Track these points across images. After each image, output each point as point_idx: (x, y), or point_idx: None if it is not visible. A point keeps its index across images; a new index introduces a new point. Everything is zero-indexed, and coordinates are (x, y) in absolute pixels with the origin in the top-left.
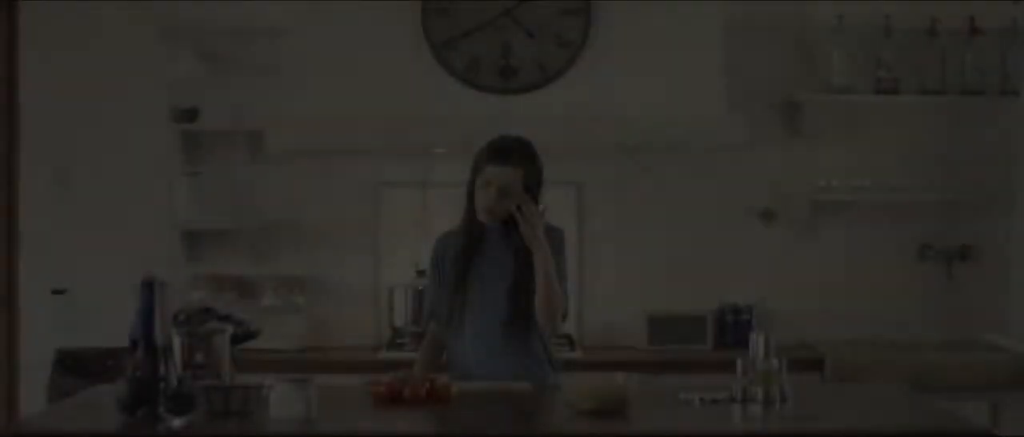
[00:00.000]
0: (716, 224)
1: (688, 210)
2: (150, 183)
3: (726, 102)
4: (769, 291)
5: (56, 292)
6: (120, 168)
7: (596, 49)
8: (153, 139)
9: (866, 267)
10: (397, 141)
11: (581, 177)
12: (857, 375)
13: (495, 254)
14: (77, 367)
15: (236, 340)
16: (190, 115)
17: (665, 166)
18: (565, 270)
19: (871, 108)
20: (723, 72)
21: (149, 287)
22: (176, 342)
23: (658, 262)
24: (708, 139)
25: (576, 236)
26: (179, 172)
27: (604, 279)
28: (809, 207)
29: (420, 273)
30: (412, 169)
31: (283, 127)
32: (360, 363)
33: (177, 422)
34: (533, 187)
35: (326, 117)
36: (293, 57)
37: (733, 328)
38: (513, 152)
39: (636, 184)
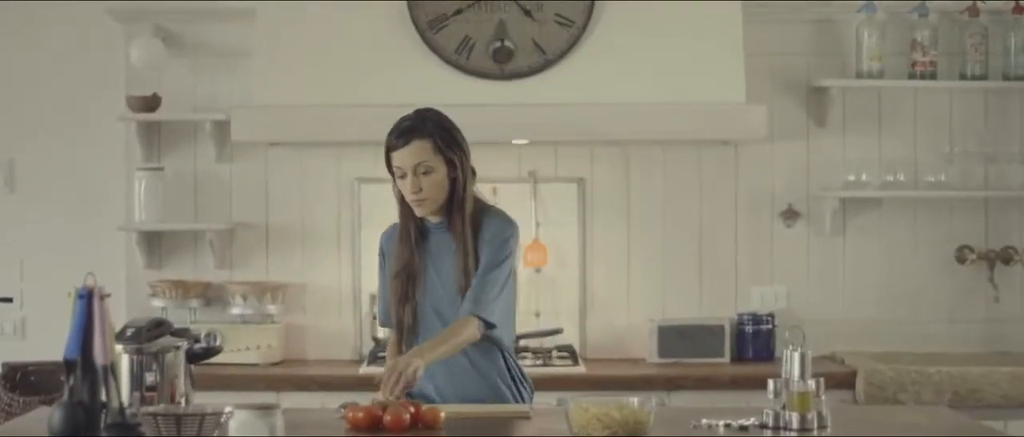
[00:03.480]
0: (733, 224)
1: (702, 209)
2: (104, 180)
3: (745, 89)
4: (793, 298)
5: (1, 301)
6: (70, 164)
7: (601, 30)
8: (107, 131)
9: (899, 271)
10: (379, 132)
11: (583, 172)
12: (893, 393)
13: (440, 255)
14: (23, 383)
15: (194, 358)
16: (149, 104)
17: (677, 160)
18: (499, 262)
19: (905, 95)
20: (742, 56)
21: (87, 298)
22: (123, 361)
23: (669, 266)
24: (725, 130)
25: (578, 237)
26: (136, 167)
27: (609, 285)
28: (836, 205)
29: None
30: None
31: (252, 117)
32: (338, 379)
33: None
34: (452, 152)
35: (300, 105)
36: (263, 39)
37: (752, 339)
38: (411, 128)
39: (645, 180)
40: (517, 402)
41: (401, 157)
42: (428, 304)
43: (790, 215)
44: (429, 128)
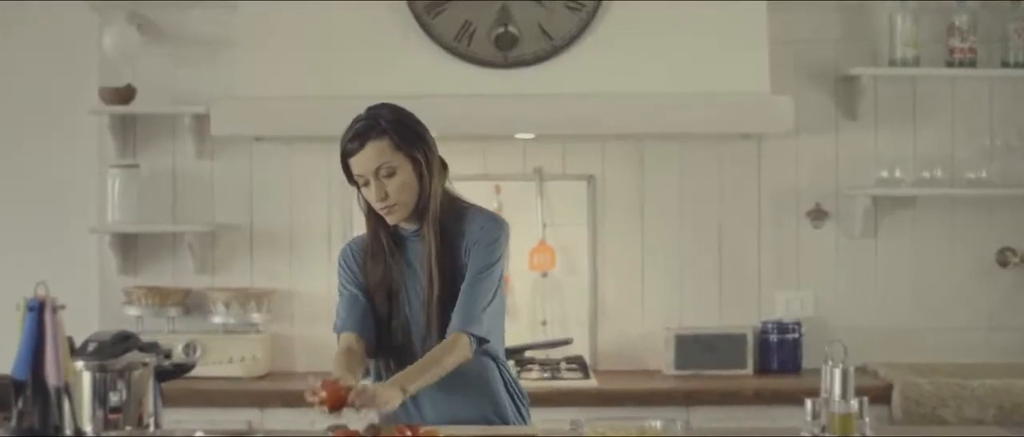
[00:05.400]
0: (756, 225)
1: (723, 208)
2: (74, 178)
3: (770, 79)
4: (821, 305)
5: None
6: (38, 160)
7: (613, 14)
8: (78, 125)
9: (936, 276)
10: None
11: (594, 168)
12: (932, 408)
13: (416, 265)
14: None
15: (165, 375)
16: (123, 96)
17: (695, 156)
18: (489, 268)
19: (942, 85)
20: (766, 43)
21: (37, 310)
22: (84, 379)
23: (687, 270)
24: (748, 123)
25: (588, 239)
26: (110, 164)
27: (622, 291)
28: (867, 204)
29: None
30: None
31: (235, 109)
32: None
33: None
34: (413, 147)
35: (287, 97)
36: (247, 25)
37: (777, 349)
38: (366, 129)
39: (660, 177)
40: (517, 421)
41: (360, 162)
42: (412, 321)
43: (818, 215)
44: (383, 125)
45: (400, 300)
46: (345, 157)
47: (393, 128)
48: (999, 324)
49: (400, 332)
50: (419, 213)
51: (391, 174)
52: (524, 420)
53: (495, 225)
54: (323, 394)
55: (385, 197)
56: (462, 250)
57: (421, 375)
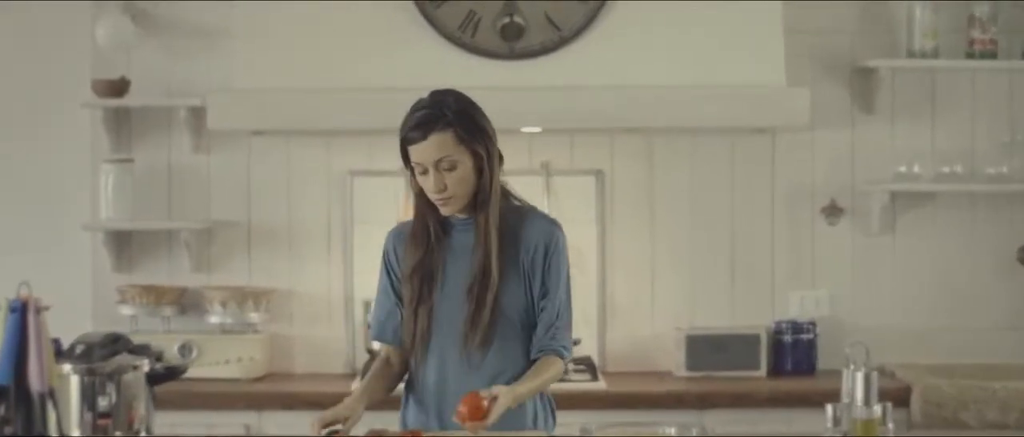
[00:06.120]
0: (770, 222)
1: (735, 205)
2: (67, 173)
3: (785, 71)
4: (836, 304)
5: None
6: (29, 155)
7: (623, 3)
8: (70, 119)
9: (955, 274)
10: (373, 119)
11: (602, 163)
12: (953, 412)
13: (462, 254)
14: None
15: (157, 379)
16: (117, 88)
17: (707, 150)
18: (564, 279)
19: (962, 77)
20: (781, 33)
21: (20, 312)
22: (72, 383)
23: (698, 269)
24: (762, 117)
25: (596, 236)
26: (103, 159)
27: (631, 290)
28: (885, 200)
29: None
30: (391, 154)
31: (232, 102)
32: (329, 397)
33: None
34: (477, 142)
35: (285, 89)
36: (245, 16)
37: (792, 350)
38: (430, 118)
39: (671, 173)
40: (541, 427)
41: (421, 152)
42: (443, 309)
43: (833, 211)
44: (449, 116)
45: (434, 284)
46: (404, 144)
47: (458, 120)
48: (1021, 324)
49: (426, 316)
50: (473, 205)
51: (452, 167)
52: (548, 427)
53: (557, 229)
54: (463, 410)
55: (443, 189)
56: (520, 250)
57: (531, 388)
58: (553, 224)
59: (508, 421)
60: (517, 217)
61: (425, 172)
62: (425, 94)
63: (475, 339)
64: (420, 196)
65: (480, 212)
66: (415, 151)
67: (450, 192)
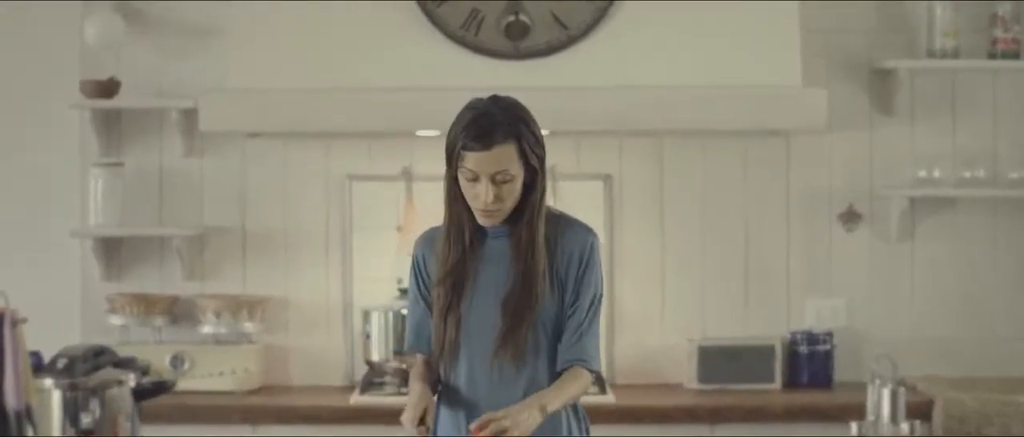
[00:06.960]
0: (785, 228)
1: (749, 210)
2: (54, 177)
3: (800, 71)
4: (854, 314)
5: None
6: (15, 158)
7: (633, 2)
8: (58, 121)
9: (977, 282)
10: (372, 121)
11: (611, 168)
12: (977, 426)
13: (494, 263)
14: None
15: (143, 394)
16: (106, 89)
17: (719, 154)
18: (597, 285)
19: (984, 78)
20: (797, 33)
21: None
22: (54, 398)
23: (710, 277)
24: (776, 119)
25: (605, 242)
26: (92, 163)
27: (640, 299)
28: (904, 206)
29: (403, 292)
30: (392, 157)
31: (226, 103)
32: (326, 410)
33: None
34: (536, 158)
35: (281, 90)
36: (239, 14)
37: (808, 361)
38: (498, 125)
39: (681, 177)
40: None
41: (479, 161)
42: (473, 317)
43: (850, 217)
44: (516, 129)
45: (464, 292)
46: (463, 150)
47: (522, 134)
48: None
49: (454, 325)
50: (512, 216)
51: (507, 181)
52: None
53: (593, 238)
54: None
55: (494, 201)
56: (555, 260)
57: (557, 398)
58: (589, 232)
59: (541, 430)
60: (553, 226)
61: (476, 179)
62: (419, 95)
63: (507, 353)
64: (458, 200)
65: (524, 227)
66: (472, 159)
67: (497, 205)
